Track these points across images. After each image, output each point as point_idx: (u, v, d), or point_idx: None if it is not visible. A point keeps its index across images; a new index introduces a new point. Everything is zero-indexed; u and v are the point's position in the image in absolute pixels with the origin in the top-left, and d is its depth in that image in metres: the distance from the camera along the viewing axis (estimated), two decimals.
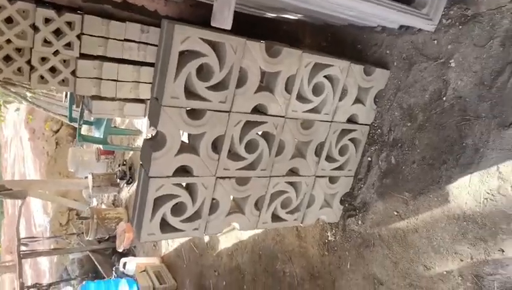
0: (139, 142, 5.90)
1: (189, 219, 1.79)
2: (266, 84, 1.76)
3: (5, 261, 10.93)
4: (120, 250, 5.53)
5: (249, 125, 1.75)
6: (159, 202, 1.68)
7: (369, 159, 2.18)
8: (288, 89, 1.79)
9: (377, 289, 2.09)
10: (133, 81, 3.24)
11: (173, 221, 1.74)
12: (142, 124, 4.51)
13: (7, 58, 2.86)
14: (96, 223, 5.68)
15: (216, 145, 1.73)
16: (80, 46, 2.88)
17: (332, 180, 2.18)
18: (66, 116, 7.24)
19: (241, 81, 1.65)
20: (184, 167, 1.69)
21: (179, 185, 1.71)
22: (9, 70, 2.89)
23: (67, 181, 8.05)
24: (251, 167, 1.85)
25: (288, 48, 1.72)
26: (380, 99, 2.13)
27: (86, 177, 7.03)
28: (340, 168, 2.18)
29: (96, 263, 6.04)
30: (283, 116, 1.83)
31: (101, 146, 5.20)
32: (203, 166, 1.71)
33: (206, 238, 3.91)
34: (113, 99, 3.28)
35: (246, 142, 1.77)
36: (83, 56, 2.93)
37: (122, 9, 3.07)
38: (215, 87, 1.60)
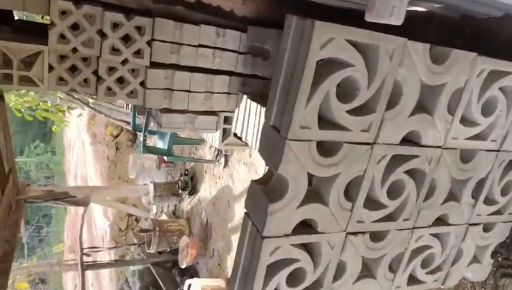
0: (202, 152, 5.58)
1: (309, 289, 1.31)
2: (423, 102, 1.23)
3: (68, 260, 11.31)
4: (182, 266, 5.23)
5: (395, 161, 1.24)
6: (272, 268, 1.21)
7: None
8: (451, 108, 1.25)
9: None
10: (205, 92, 2.83)
11: None
12: (209, 135, 4.19)
13: (73, 69, 2.56)
14: (158, 236, 5.44)
15: (348, 191, 1.24)
16: (151, 53, 2.52)
17: (486, 228, 1.60)
18: (126, 122, 7.18)
19: (392, 101, 1.14)
20: (305, 221, 1.21)
21: (299, 245, 1.23)
22: (75, 81, 2.58)
23: (128, 188, 8.00)
24: (391, 217, 1.33)
25: (457, 50, 1.18)
26: None
27: (146, 184, 6.89)
28: (498, 212, 1.59)
29: (157, 277, 5.81)
30: (440, 147, 1.29)
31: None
32: (332, 219, 1.22)
33: None
34: (184, 111, 2.91)
35: (389, 185, 1.26)
36: (154, 65, 2.57)
37: (196, 10, 2.67)
38: (357, 111, 1.11)
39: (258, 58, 2.67)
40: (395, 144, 1.20)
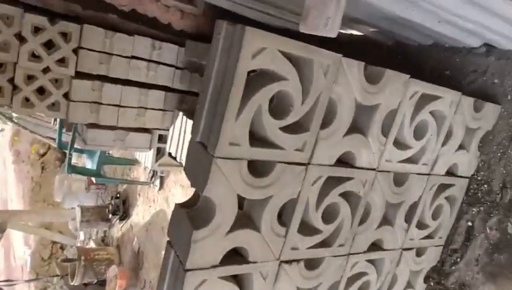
0: (136, 173, 5.26)
1: None
2: (357, 122, 1.19)
3: None
4: None
5: (329, 183, 1.17)
6: None
7: (469, 224, 1.61)
8: (384, 130, 1.23)
9: None
10: (138, 107, 2.65)
11: None
12: (142, 155, 3.94)
13: None
14: (83, 266, 4.94)
15: (282, 215, 1.14)
16: (77, 62, 2.30)
17: (419, 252, 1.59)
18: (54, 139, 6.62)
19: (327, 119, 1.08)
20: (236, 249, 1.09)
21: (228, 277, 1.10)
22: None
23: (52, 212, 7.29)
24: (326, 242, 1.25)
25: (390, 70, 1.17)
26: (485, 144, 1.58)
27: (73, 208, 6.33)
28: (430, 236, 1.59)
29: None
30: (374, 169, 1.25)
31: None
32: (264, 246, 1.11)
33: None
34: (113, 128, 2.68)
35: (324, 208, 1.18)
36: (80, 75, 2.34)
37: (130, 20, 2.51)
38: (291, 128, 1.03)
39: (196, 74, 2.55)
40: (330, 165, 1.14)
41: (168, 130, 2.83)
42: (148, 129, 2.83)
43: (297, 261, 1.20)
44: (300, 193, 1.11)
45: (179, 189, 4.25)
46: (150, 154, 3.07)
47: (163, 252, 3.73)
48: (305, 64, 0.98)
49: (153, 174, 4.62)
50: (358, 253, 1.35)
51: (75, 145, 3.67)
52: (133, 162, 5.00)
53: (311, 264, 1.26)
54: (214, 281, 1.06)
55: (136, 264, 4.86)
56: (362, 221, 1.30)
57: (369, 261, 1.42)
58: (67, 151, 3.93)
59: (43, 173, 9.50)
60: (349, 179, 1.20)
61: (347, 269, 1.35)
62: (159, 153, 3.10)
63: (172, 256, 1.08)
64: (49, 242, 8.21)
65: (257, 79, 0.94)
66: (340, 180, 1.19)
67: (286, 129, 1.02)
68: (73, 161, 5.38)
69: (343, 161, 1.20)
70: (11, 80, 2.24)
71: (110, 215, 5.41)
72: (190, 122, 2.45)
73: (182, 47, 2.57)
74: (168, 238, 1.15)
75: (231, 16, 2.36)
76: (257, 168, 1.02)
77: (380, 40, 1.93)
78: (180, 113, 2.63)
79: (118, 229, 5.57)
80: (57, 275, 5.69)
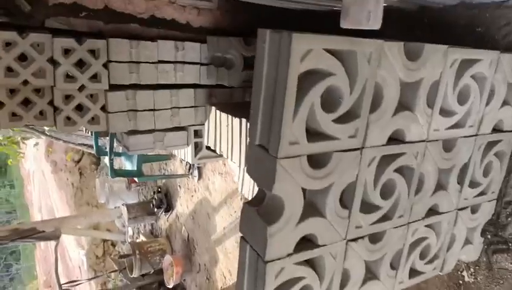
0: (172, 166, 5.43)
1: None
2: (403, 100, 1.22)
3: None
4: (170, 286, 5.08)
5: (383, 161, 1.22)
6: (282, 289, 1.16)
7: None
8: (430, 101, 1.26)
9: None
10: (171, 108, 2.74)
11: None
12: (181, 151, 4.08)
13: (26, 102, 2.37)
14: (139, 259, 5.25)
15: (343, 198, 1.21)
16: (109, 76, 2.39)
17: (474, 209, 1.63)
18: (87, 145, 6.86)
19: (375, 103, 1.12)
20: (305, 236, 1.17)
21: (302, 262, 1.19)
22: (30, 115, 2.39)
23: (99, 213, 7.66)
24: (387, 216, 1.32)
25: (429, 44, 1.18)
26: None
27: (117, 207, 6.64)
28: (482, 192, 1.63)
29: None
30: (424, 141, 1.29)
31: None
32: (331, 230, 1.19)
33: None
34: (151, 131, 2.79)
35: (381, 186, 1.24)
36: (113, 87, 2.44)
37: (150, 26, 2.56)
38: (342, 118, 1.08)
39: (222, 68, 2.60)
40: (382, 145, 1.19)
41: (203, 124, 2.91)
42: (184, 127, 2.92)
43: (362, 237, 1.28)
44: (358, 176, 1.16)
45: (218, 177, 4.38)
46: (189, 150, 3.18)
47: (212, 236, 3.94)
48: (349, 56, 1.02)
49: (190, 166, 4.77)
50: (417, 220, 1.41)
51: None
52: (169, 156, 5.17)
53: (375, 238, 1.33)
54: (291, 268, 1.15)
55: (188, 251, 5.11)
56: (417, 191, 1.35)
57: (428, 226, 1.48)
58: (106, 157, 4.11)
59: (82, 178, 9.91)
60: (401, 154, 1.24)
61: (408, 237, 1.41)
62: (197, 147, 3.20)
63: (249, 250, 1.17)
64: (100, 241, 8.67)
65: (306, 78, 0.99)
66: (393, 157, 1.23)
67: (338, 120, 1.07)
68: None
69: (394, 138, 1.24)
70: (51, 103, 2.36)
71: (155, 209, 5.66)
72: (223, 114, 2.52)
73: (204, 43, 2.60)
74: (240, 234, 1.24)
75: (246, 7, 2.37)
76: (315, 160, 1.08)
77: (404, 7, 1.91)
78: (213, 108, 2.69)
79: (164, 221, 5.83)
80: (116, 270, 6.05)
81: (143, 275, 5.81)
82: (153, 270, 5.46)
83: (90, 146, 6.26)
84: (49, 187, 12.31)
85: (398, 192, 1.29)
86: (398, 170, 1.26)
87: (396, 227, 1.36)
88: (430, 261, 1.56)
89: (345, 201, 1.20)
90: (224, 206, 4.29)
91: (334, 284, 1.27)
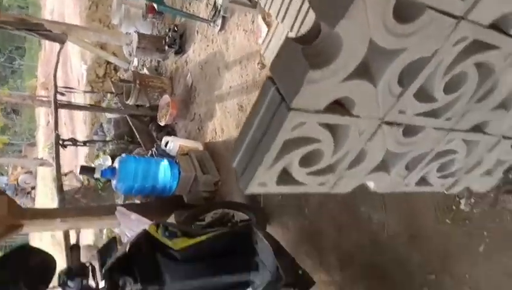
0: (196, 8, 4.99)
1: (319, 172, 1.17)
2: None
3: (41, 96, 11.07)
4: (161, 124, 5.16)
5: (469, 48, 0.98)
6: (290, 145, 1.03)
7: None
8: None
9: None
10: None
11: (298, 173, 1.13)
12: None
13: None
14: (138, 89, 5.21)
15: (403, 74, 1.00)
16: None
17: None
18: None
19: None
20: (341, 98, 1.00)
21: (324, 125, 1.04)
22: None
23: (109, 34, 7.36)
24: (435, 113, 1.14)
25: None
26: None
27: (129, 33, 6.35)
28: None
29: (133, 128, 5.76)
30: None
31: (154, 4, 4.37)
32: (373, 103, 1.01)
33: None
34: None
35: (451, 76, 1.03)
36: None
37: None
38: None
39: None
40: (483, 26, 0.93)
41: None
42: None
43: (400, 125, 1.12)
44: (436, 52, 0.94)
45: (241, 33, 4.04)
46: None
47: (216, 92, 3.82)
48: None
49: (215, 13, 4.37)
50: (459, 130, 1.25)
51: None
52: None
53: (410, 131, 1.17)
54: (312, 126, 1.00)
55: (188, 98, 5.06)
56: (482, 98, 1.15)
57: (465, 141, 1.32)
58: None
59: None
60: (495, 48, 1.00)
61: (441, 144, 1.26)
62: None
63: (273, 92, 1.00)
64: (104, 62, 8.57)
65: None
66: (484, 47, 0.99)
67: None
68: None
69: (497, 27, 0.98)
70: None
71: (166, 47, 5.40)
72: None
73: None
74: (269, 74, 1.06)
75: None
76: (402, 14, 0.84)
77: None
78: None
79: (172, 62, 5.63)
80: (112, 92, 6.07)
81: (137, 106, 5.86)
82: (148, 104, 5.48)
83: None
84: None
85: (464, 90, 1.09)
86: (478, 66, 1.04)
87: (437, 129, 1.19)
88: (444, 177, 1.46)
89: (404, 77, 1.00)
90: (238, 65, 4.06)
91: (346, 160, 1.15)
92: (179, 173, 4.05)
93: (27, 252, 1.56)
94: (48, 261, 1.65)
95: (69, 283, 1.63)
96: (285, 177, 1.15)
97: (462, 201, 1.81)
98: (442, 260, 1.92)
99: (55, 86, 5.35)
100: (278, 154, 1.04)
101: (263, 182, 1.13)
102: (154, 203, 4.36)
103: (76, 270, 1.71)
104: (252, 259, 2.17)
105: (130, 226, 2.79)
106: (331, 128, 1.08)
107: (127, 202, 4.62)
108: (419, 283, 2.05)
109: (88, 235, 6.48)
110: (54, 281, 1.76)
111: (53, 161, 6.28)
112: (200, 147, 4.51)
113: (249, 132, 1.10)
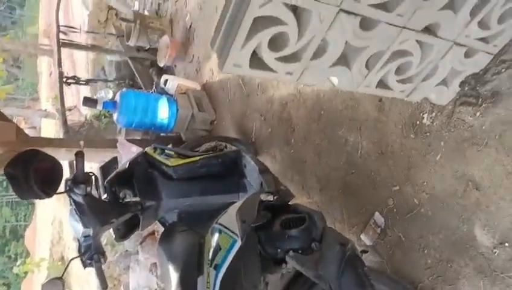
0: None
1: (286, 59, 1.35)
2: None
3: (43, 44, 11.10)
4: (161, 65, 5.29)
5: None
6: (258, 25, 1.21)
7: None
8: None
9: (468, 192, 1.80)
10: None
11: (268, 56, 1.31)
12: None
13: None
14: (138, 30, 5.29)
15: None
16: None
17: (468, 53, 1.63)
18: None
19: None
20: None
21: (289, 7, 1.20)
22: None
23: None
24: (387, 6, 1.30)
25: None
26: None
27: None
28: (485, 40, 1.60)
29: (134, 70, 5.90)
30: None
31: None
32: None
33: (258, 79, 3.55)
34: None
35: None
36: None
37: None
38: None
39: None
40: None
41: None
42: None
43: (355, 15, 1.28)
44: None
45: None
46: None
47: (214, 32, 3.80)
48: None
49: None
50: (412, 30, 1.41)
51: None
52: None
53: (366, 25, 1.33)
54: (279, 6, 1.17)
55: (186, 40, 5.15)
56: None
57: (419, 42, 1.48)
58: None
59: None
60: None
61: (396, 42, 1.43)
62: None
63: None
64: (106, 7, 8.54)
65: None
66: None
67: None
68: None
69: None
70: None
71: None
72: None
73: None
74: None
75: None
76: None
77: None
78: None
79: (172, 3, 5.67)
80: (114, 34, 6.14)
81: (138, 50, 5.96)
82: (148, 46, 5.58)
83: None
84: None
85: None
86: None
87: (390, 24, 1.35)
88: (402, 82, 1.63)
89: None
90: None
91: (309, 49, 1.32)
92: (177, 110, 4.24)
93: (35, 153, 1.61)
94: (55, 164, 1.67)
95: (75, 189, 1.66)
96: (257, 61, 1.33)
97: (425, 116, 2.00)
98: (406, 172, 2.14)
99: (57, 24, 5.43)
100: (248, 34, 1.22)
101: (238, 63, 1.31)
102: (154, 140, 4.59)
103: (81, 178, 1.70)
104: (240, 181, 2.28)
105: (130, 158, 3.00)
106: (295, 12, 1.25)
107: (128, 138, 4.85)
108: (385, 195, 2.28)
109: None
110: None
111: (57, 113, 6.43)
112: (198, 87, 4.67)
113: (225, 15, 1.27)
